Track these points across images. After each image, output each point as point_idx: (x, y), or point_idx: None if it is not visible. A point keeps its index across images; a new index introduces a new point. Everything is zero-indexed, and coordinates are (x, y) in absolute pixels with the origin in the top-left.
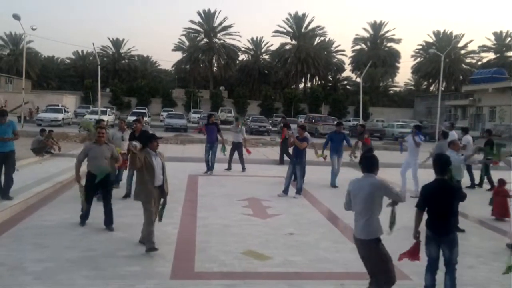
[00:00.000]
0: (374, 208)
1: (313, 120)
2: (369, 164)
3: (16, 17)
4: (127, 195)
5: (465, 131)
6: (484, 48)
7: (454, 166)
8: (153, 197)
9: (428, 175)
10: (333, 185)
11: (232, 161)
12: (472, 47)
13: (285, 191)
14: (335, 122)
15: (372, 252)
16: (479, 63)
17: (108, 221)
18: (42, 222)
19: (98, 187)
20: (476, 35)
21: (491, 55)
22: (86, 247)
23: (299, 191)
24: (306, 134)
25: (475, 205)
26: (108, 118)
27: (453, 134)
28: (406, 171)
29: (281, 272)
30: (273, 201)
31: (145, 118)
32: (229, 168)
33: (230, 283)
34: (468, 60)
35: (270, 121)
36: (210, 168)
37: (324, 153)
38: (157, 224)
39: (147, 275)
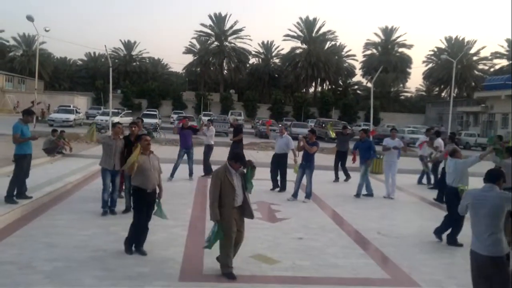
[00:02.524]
0: (501, 222)
1: (323, 125)
2: (494, 174)
3: (30, 18)
4: (127, 209)
5: (437, 134)
6: (497, 55)
7: (463, 173)
8: (233, 219)
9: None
10: (369, 193)
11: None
12: (484, 53)
13: (295, 195)
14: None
15: (501, 270)
16: (492, 69)
17: (142, 242)
18: (53, 221)
19: (145, 206)
20: (488, 42)
21: (504, 62)
22: (95, 248)
23: (308, 195)
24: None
25: None
26: (120, 119)
27: (440, 142)
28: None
29: (289, 276)
30: (282, 205)
31: (156, 120)
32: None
33: (238, 286)
34: (480, 66)
35: (280, 125)
36: (189, 173)
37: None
38: (166, 226)
39: (156, 276)
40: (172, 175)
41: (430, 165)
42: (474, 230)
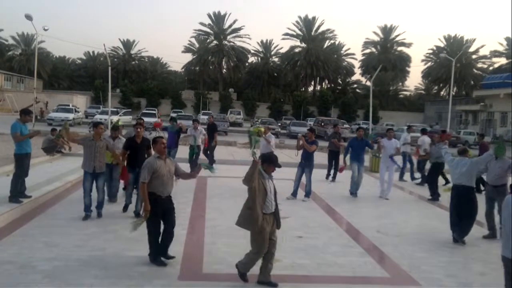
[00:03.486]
0: None
1: (322, 123)
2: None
3: (29, 17)
4: (126, 207)
5: (423, 131)
6: (496, 53)
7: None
8: (267, 226)
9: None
10: (352, 192)
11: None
12: (483, 52)
13: (294, 194)
14: (357, 128)
15: None
16: (491, 68)
17: (167, 248)
18: (52, 220)
19: (161, 212)
20: (488, 40)
21: (503, 60)
22: (95, 247)
23: (308, 194)
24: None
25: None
26: (121, 118)
27: (424, 140)
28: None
29: (289, 275)
30: (281, 203)
31: (155, 119)
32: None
33: (238, 285)
34: (479, 65)
35: (279, 124)
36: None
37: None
38: None
39: (155, 275)
40: None
41: (415, 161)
42: (505, 233)
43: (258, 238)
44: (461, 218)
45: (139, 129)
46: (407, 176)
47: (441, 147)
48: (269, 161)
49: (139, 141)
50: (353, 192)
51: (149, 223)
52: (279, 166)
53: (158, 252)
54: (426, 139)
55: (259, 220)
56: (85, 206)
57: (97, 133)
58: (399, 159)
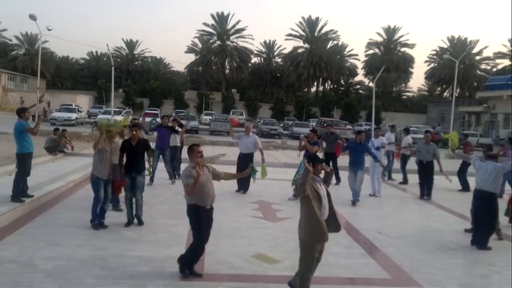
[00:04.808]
0: None
1: (325, 124)
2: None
3: (32, 17)
4: (130, 222)
5: (406, 131)
6: (499, 55)
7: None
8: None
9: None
10: (353, 201)
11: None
12: (487, 53)
13: (296, 195)
14: (356, 131)
15: None
16: (494, 69)
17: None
18: (54, 220)
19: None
20: (491, 42)
21: (506, 62)
22: (96, 246)
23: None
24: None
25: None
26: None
27: (408, 139)
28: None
29: (291, 275)
30: (283, 204)
31: (158, 119)
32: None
33: (239, 285)
34: (482, 66)
35: (282, 124)
36: (169, 176)
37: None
38: (167, 225)
39: (157, 275)
40: (151, 179)
41: (396, 161)
42: None
43: (308, 257)
44: (478, 224)
45: (134, 132)
46: (398, 176)
47: (466, 156)
48: (314, 161)
49: (134, 143)
50: (354, 201)
51: (197, 235)
52: (322, 161)
53: (188, 262)
54: (409, 139)
55: (323, 228)
56: (95, 215)
57: (111, 135)
58: (383, 157)
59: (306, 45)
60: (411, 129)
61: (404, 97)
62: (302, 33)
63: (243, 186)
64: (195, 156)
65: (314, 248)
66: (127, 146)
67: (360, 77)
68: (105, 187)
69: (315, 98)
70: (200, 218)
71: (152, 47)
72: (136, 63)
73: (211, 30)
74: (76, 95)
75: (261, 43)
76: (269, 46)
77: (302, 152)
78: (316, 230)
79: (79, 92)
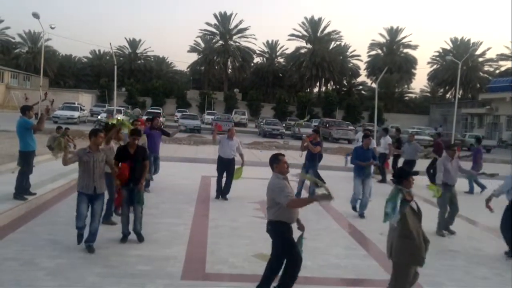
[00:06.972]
0: None
1: (327, 125)
2: None
3: (36, 15)
4: (125, 237)
5: (385, 131)
6: (502, 57)
7: None
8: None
9: None
10: (360, 214)
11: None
12: (490, 55)
13: (298, 195)
14: (363, 134)
15: None
16: (497, 71)
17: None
18: (56, 218)
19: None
20: (494, 43)
21: (509, 64)
22: (98, 245)
23: (311, 195)
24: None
25: (482, 212)
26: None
27: (388, 139)
28: None
29: None
30: None
31: (160, 119)
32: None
33: (240, 285)
34: (486, 68)
35: (284, 124)
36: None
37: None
38: (168, 224)
39: (158, 275)
40: (147, 185)
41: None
42: None
43: (402, 274)
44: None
45: (135, 139)
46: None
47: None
48: (404, 176)
49: (132, 151)
50: (361, 213)
51: (289, 253)
52: (416, 173)
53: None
54: (388, 139)
55: (422, 250)
56: (79, 228)
57: (95, 142)
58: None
59: (309, 46)
60: (412, 130)
61: (407, 98)
62: (305, 33)
63: (223, 193)
64: (282, 168)
65: (408, 274)
66: (124, 154)
67: (362, 78)
68: (93, 203)
69: (317, 99)
70: (290, 234)
71: (155, 46)
72: (139, 62)
73: (213, 30)
74: (79, 93)
75: (263, 43)
76: (272, 46)
77: (305, 153)
78: (408, 250)
79: (81, 90)
